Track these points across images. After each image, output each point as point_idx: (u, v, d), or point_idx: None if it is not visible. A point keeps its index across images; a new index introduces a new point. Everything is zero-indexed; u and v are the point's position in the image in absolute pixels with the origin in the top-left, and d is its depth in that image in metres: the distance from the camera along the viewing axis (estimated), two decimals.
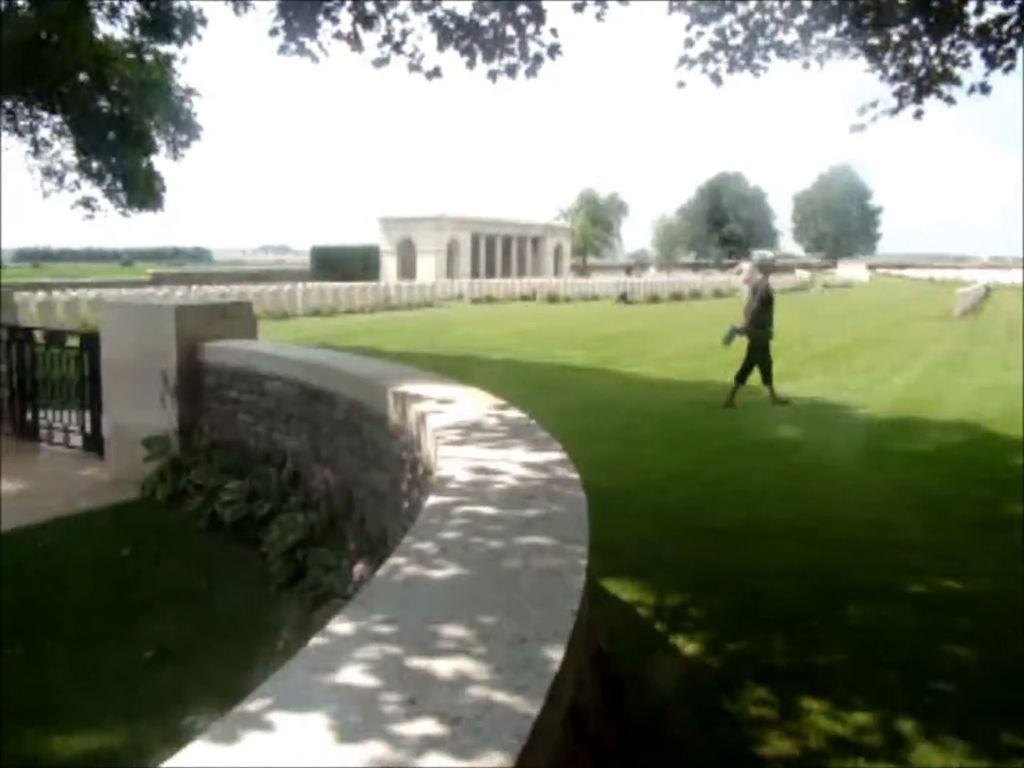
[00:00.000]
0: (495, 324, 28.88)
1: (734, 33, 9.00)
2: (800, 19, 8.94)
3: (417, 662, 2.02)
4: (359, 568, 4.30)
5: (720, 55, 9.03)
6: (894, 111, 8.98)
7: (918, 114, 9.02)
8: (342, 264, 57.22)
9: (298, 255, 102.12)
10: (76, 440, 9.86)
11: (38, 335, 10.57)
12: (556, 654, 2.09)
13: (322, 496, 6.45)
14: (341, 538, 6.00)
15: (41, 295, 28.74)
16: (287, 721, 1.78)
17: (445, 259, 61.97)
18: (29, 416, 10.47)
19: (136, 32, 18.28)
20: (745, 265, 16.88)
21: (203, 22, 18.24)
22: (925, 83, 8.97)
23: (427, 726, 1.75)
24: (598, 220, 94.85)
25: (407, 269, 61.20)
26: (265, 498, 6.81)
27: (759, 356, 13.68)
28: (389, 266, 61.98)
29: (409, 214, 62.74)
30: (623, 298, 42.86)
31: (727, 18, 8.98)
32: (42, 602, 5.87)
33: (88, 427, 9.64)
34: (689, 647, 5.24)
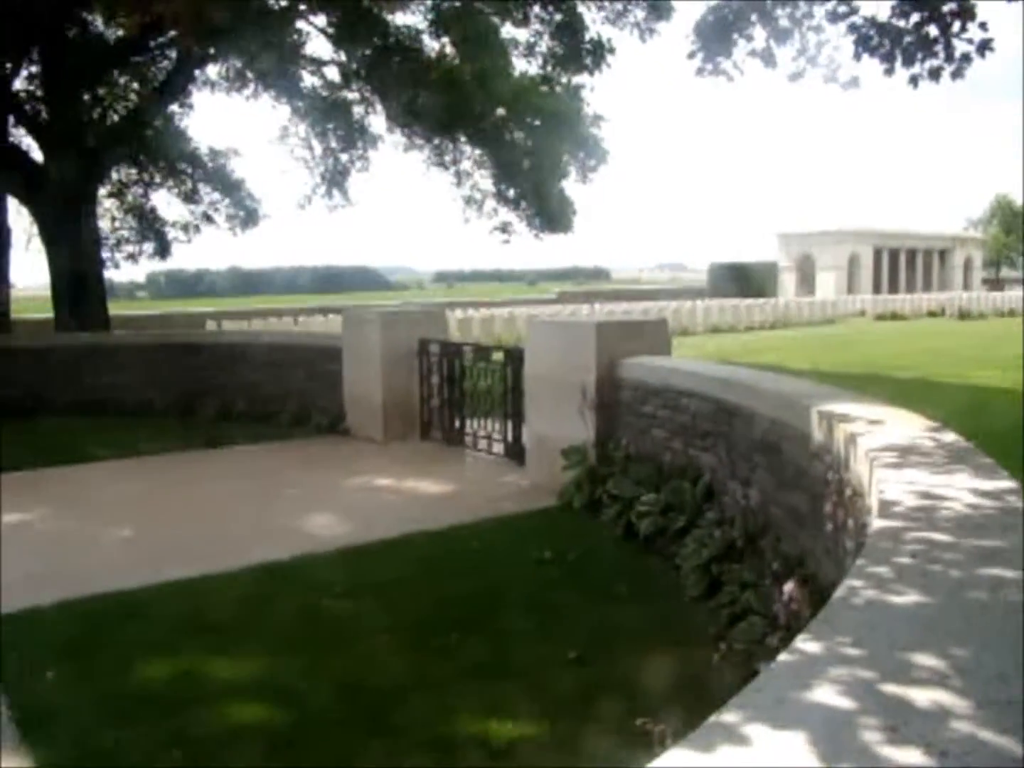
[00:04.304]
0: (901, 341, 27.41)
1: None
2: None
3: (892, 688, 1.97)
4: (790, 588, 4.26)
5: None
6: None
7: None
8: (739, 281, 56.84)
9: (693, 272, 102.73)
10: (497, 448, 10.55)
11: (467, 350, 11.44)
12: None
13: (737, 513, 6.44)
14: (758, 556, 5.95)
15: (459, 313, 31.02)
16: (764, 735, 1.80)
17: (845, 274, 59.70)
18: (456, 424, 11.36)
19: (548, 66, 19.30)
20: None
21: (612, 51, 18.90)
22: None
23: (912, 756, 1.71)
24: (1014, 228, 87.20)
25: (806, 285, 59.67)
26: (679, 512, 6.91)
27: None
28: (787, 282, 60.71)
29: (807, 229, 61.13)
30: None
31: None
32: (474, 597, 6.30)
33: (509, 436, 10.29)
34: None
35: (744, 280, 57.10)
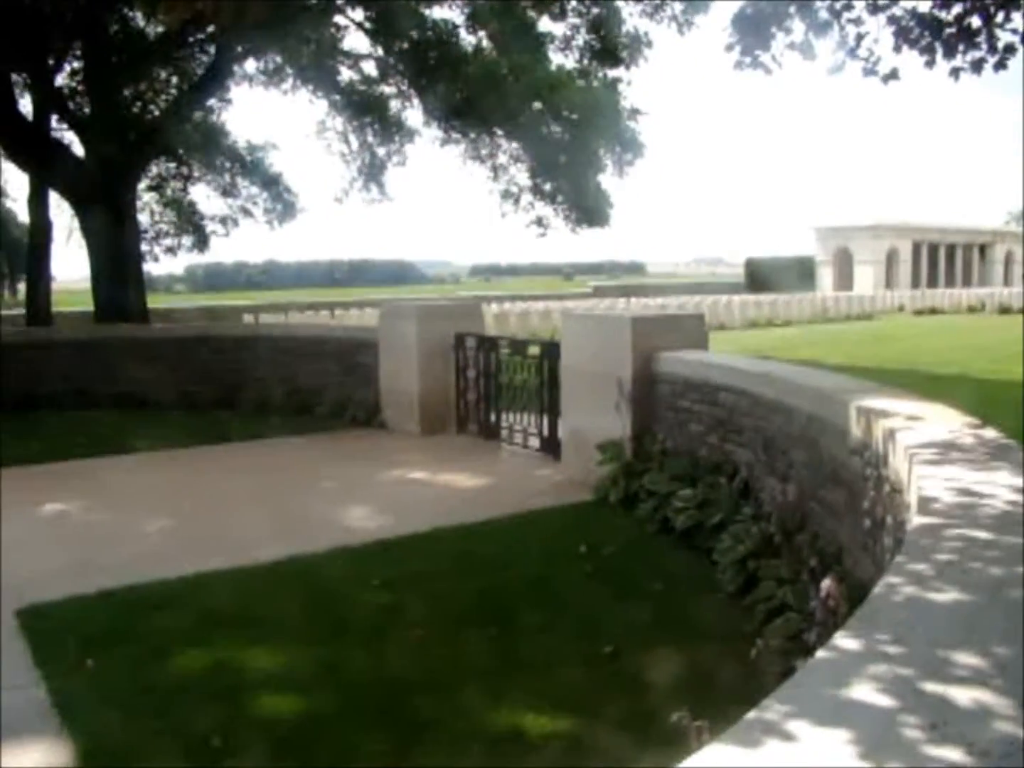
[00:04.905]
0: (941, 337, 27.11)
1: None
2: None
3: (932, 687, 1.96)
4: (827, 584, 4.23)
5: None
6: None
7: None
8: (776, 275, 56.54)
9: (731, 267, 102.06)
10: (533, 442, 10.55)
11: (503, 344, 11.45)
12: None
13: (774, 508, 6.41)
14: (794, 552, 5.91)
15: (495, 307, 31.07)
16: (806, 731, 1.79)
17: (883, 269, 59.14)
18: (492, 418, 11.37)
19: (585, 60, 19.27)
20: None
21: (649, 45, 18.85)
22: None
23: (953, 754, 1.70)
24: None
25: (843, 280, 59.16)
26: (715, 507, 6.87)
27: None
28: (824, 277, 60.26)
29: (845, 223, 60.59)
30: None
31: None
32: (509, 591, 6.30)
33: (545, 430, 10.28)
34: None
35: (781, 275, 56.76)
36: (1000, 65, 8.85)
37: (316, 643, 5.47)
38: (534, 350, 10.68)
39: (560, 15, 18.48)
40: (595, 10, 18.40)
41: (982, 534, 3.02)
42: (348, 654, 5.29)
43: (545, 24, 18.77)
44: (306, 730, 4.47)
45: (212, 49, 18.50)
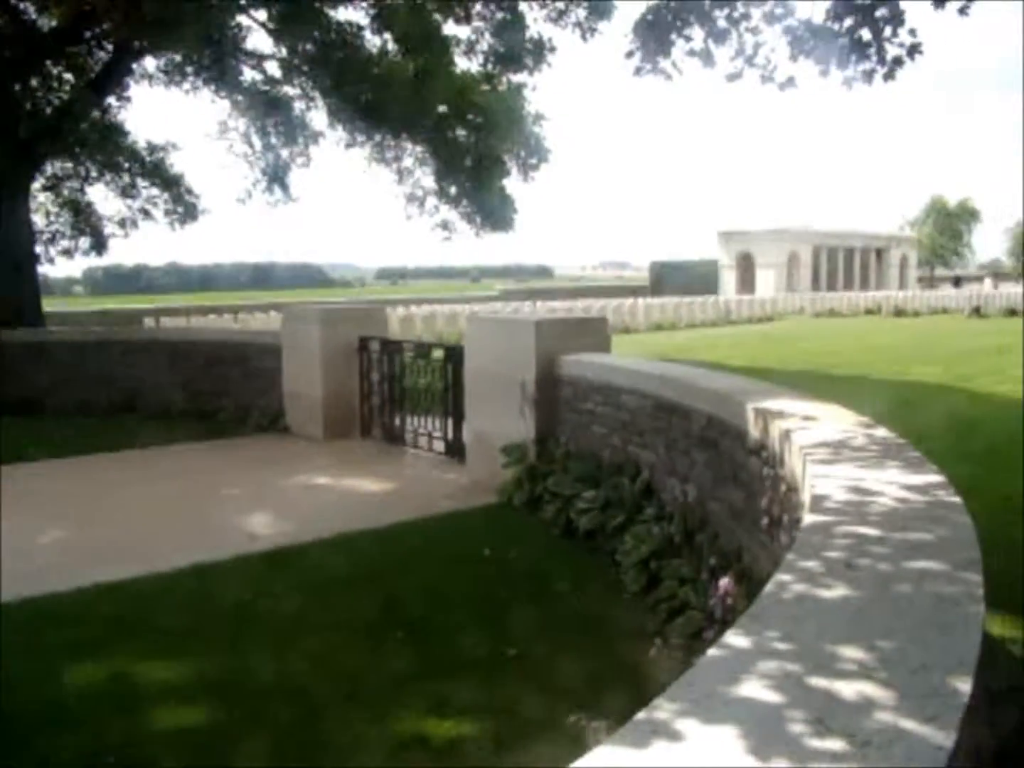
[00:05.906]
0: (840, 339, 27.85)
1: None
2: None
3: (818, 682, 2.00)
4: (725, 582, 4.31)
5: None
6: None
7: None
8: (680, 278, 57.49)
9: (637, 271, 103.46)
10: (438, 445, 10.53)
11: (407, 347, 11.39)
12: (963, 685, 2.00)
13: (676, 509, 6.50)
14: (696, 552, 6.01)
15: (401, 310, 30.94)
16: (695, 730, 1.82)
17: (785, 272, 60.53)
18: (397, 422, 11.32)
19: (490, 64, 19.31)
20: None
21: (552, 50, 18.97)
22: None
23: (836, 746, 1.74)
24: (946, 229, 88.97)
25: (746, 283, 60.37)
26: (619, 508, 6.95)
27: None
28: (728, 280, 61.41)
29: (748, 227, 61.90)
30: (976, 311, 40.03)
31: None
32: (414, 595, 6.27)
33: (450, 434, 10.27)
34: None
35: (685, 278, 57.73)
36: (889, 76, 9.13)
37: (218, 653, 5.37)
38: (438, 354, 10.67)
39: (465, 19, 18.47)
40: (499, 15, 18.44)
41: (871, 531, 3.10)
42: (250, 664, 5.21)
43: (451, 28, 18.75)
44: (205, 742, 4.39)
45: (110, 45, 18.04)
